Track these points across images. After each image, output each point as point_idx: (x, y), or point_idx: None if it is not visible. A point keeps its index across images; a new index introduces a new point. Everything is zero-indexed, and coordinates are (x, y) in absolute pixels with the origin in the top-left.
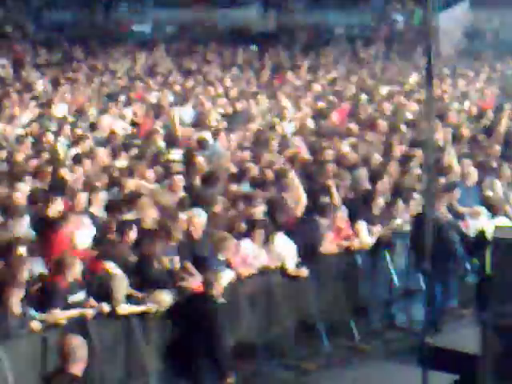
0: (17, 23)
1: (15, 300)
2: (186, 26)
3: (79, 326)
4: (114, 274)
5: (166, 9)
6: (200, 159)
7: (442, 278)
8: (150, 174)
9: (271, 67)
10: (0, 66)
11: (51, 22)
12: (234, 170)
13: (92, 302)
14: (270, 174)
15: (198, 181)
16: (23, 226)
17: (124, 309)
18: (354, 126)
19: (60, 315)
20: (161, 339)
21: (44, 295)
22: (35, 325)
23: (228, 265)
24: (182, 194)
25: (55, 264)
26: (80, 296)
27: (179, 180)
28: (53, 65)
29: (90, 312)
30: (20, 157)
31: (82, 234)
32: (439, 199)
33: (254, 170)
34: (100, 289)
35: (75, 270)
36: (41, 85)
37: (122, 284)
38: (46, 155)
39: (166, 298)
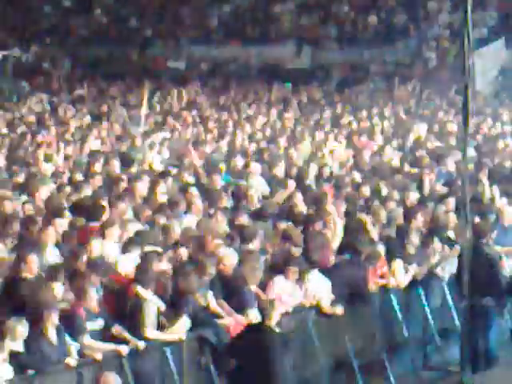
0: (53, 59)
1: (51, 326)
2: (220, 63)
3: (114, 360)
4: (145, 299)
5: (201, 46)
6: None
7: (484, 316)
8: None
9: (306, 104)
10: (37, 101)
11: (87, 58)
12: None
13: (117, 328)
14: (309, 211)
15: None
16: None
17: (153, 334)
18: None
19: (95, 348)
20: (195, 371)
21: (65, 322)
22: (71, 361)
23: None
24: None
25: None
26: (98, 323)
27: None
28: (88, 101)
29: (124, 348)
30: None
31: (123, 259)
32: (487, 234)
33: (298, 207)
34: (131, 313)
35: (92, 297)
36: (76, 121)
37: (152, 309)
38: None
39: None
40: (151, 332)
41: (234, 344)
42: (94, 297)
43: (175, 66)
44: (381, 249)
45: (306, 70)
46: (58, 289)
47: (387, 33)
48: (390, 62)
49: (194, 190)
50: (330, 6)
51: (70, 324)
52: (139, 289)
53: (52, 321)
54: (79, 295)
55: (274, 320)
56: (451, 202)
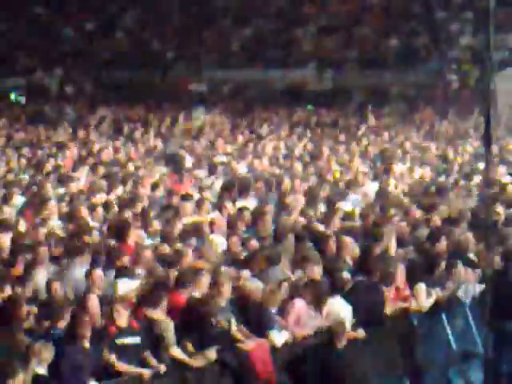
0: (76, 82)
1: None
2: (242, 86)
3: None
4: (162, 320)
5: (223, 69)
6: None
7: (509, 340)
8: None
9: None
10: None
11: (110, 81)
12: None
13: (147, 353)
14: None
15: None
16: None
17: (177, 352)
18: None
19: (119, 367)
20: None
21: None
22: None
23: (282, 325)
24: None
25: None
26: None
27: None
28: (111, 123)
29: (147, 373)
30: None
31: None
32: None
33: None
34: (147, 336)
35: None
36: (99, 144)
37: (170, 328)
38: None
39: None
40: (177, 351)
41: (299, 363)
42: (125, 314)
43: (197, 88)
44: (401, 269)
45: (327, 92)
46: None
47: (408, 55)
48: (411, 85)
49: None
50: (351, 28)
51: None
52: (152, 313)
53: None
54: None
55: (343, 341)
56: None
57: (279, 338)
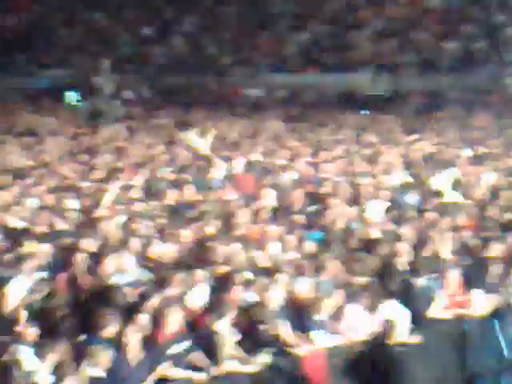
0: (133, 87)
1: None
2: (298, 91)
3: None
4: (219, 331)
5: (279, 73)
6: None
7: None
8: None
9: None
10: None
11: (165, 86)
12: None
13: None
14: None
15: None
16: None
17: (229, 366)
18: None
19: (170, 373)
20: None
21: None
22: None
23: (333, 329)
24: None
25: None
26: (181, 347)
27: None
28: (167, 128)
29: (201, 377)
30: None
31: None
32: None
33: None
34: (204, 345)
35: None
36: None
37: (227, 340)
38: None
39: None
40: (229, 364)
41: (354, 363)
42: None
43: (253, 93)
44: (454, 274)
45: (383, 96)
46: None
47: (466, 59)
48: (469, 89)
49: None
50: (408, 32)
51: (151, 350)
52: (212, 321)
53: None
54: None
55: (394, 339)
56: None
57: (322, 339)
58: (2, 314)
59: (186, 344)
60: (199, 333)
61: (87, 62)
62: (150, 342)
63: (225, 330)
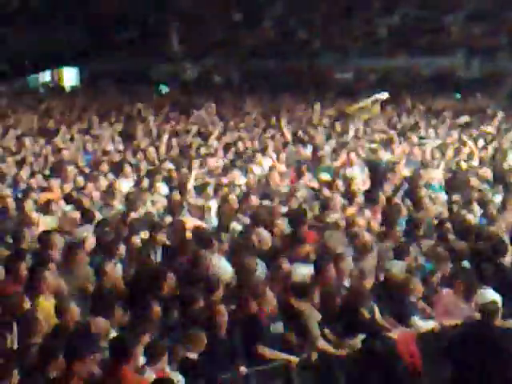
0: (223, 72)
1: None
2: (388, 74)
3: (284, 372)
4: (310, 312)
5: (370, 57)
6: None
7: None
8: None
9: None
10: (205, 113)
11: (256, 71)
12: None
13: (290, 335)
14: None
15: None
16: None
17: (322, 343)
18: None
19: (267, 355)
20: None
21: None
22: (242, 369)
23: (428, 315)
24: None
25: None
26: (278, 327)
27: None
28: (259, 114)
29: (294, 360)
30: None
31: None
32: None
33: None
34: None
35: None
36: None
37: (316, 320)
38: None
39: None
40: (322, 343)
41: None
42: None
43: (343, 77)
44: None
45: (475, 79)
46: None
47: None
48: None
49: None
50: (501, 14)
51: (250, 329)
52: (297, 303)
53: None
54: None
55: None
56: None
57: (423, 324)
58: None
59: (280, 325)
60: (292, 318)
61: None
62: (245, 322)
63: (311, 311)
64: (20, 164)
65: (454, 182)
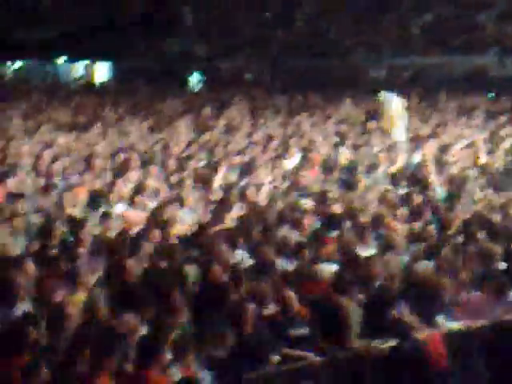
0: (255, 70)
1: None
2: (422, 72)
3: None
4: (354, 308)
5: (403, 55)
6: None
7: None
8: None
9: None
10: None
11: (288, 69)
12: None
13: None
14: None
15: None
16: None
17: (356, 343)
18: None
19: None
20: None
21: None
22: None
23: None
24: None
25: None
26: (303, 328)
27: None
28: (290, 112)
29: (321, 359)
30: None
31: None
32: None
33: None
34: (331, 320)
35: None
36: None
37: (356, 319)
38: None
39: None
40: (356, 341)
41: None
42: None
43: (376, 75)
44: None
45: (509, 78)
46: None
47: None
48: None
49: None
50: None
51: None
52: (341, 298)
53: None
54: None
55: None
56: None
57: (451, 324)
58: None
59: (308, 326)
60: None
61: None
62: (273, 322)
63: (353, 306)
64: (53, 159)
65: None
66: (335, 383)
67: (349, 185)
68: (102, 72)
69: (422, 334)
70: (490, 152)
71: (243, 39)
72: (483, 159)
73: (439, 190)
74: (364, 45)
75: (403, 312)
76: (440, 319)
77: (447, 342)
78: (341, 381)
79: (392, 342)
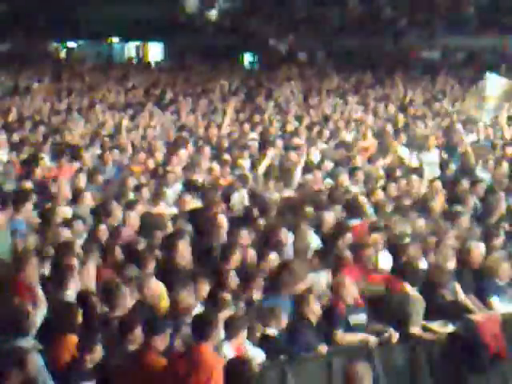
0: (308, 50)
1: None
2: (476, 53)
3: (364, 351)
4: (412, 296)
5: (457, 35)
6: None
7: None
8: None
9: None
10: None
11: (341, 48)
12: None
13: (376, 327)
14: None
15: None
16: None
17: (418, 332)
18: None
19: (344, 339)
20: (446, 366)
21: (324, 317)
22: (322, 348)
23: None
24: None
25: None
26: (361, 317)
27: None
28: (342, 92)
29: (373, 339)
30: None
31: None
32: None
33: None
34: (396, 310)
35: (352, 292)
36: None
37: (419, 307)
38: None
39: (446, 329)
40: (416, 329)
41: None
42: (353, 291)
43: (429, 55)
44: None
45: None
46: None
47: None
48: None
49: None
50: None
51: (330, 317)
52: (406, 287)
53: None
54: (338, 289)
55: None
56: None
57: (502, 306)
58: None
59: (363, 316)
60: (396, 302)
61: (266, 27)
62: (329, 310)
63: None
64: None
65: None
66: (389, 363)
67: None
68: (156, 51)
69: (478, 315)
70: None
71: (297, 19)
72: None
73: None
74: (417, 24)
75: (458, 292)
76: (496, 301)
77: (504, 325)
78: (395, 360)
79: (446, 325)
